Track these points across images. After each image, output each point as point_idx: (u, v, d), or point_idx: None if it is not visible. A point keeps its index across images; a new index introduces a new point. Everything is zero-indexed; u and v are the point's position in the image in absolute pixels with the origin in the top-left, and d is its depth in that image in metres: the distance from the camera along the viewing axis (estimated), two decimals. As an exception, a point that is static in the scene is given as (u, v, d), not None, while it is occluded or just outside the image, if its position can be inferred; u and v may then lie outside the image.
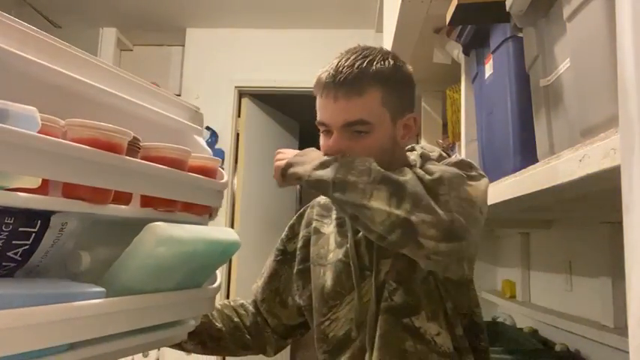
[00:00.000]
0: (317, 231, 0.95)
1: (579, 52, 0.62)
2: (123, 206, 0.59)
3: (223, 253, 0.72)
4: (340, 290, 0.86)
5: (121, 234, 0.60)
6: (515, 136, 0.89)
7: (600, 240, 1.15)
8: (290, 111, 3.54)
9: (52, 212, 0.53)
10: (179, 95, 3.37)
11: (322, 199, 0.98)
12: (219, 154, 3.16)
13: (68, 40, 0.63)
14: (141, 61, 3.63)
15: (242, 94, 3.24)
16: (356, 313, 0.84)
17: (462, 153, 1.28)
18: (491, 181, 0.96)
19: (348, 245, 0.87)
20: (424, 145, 0.97)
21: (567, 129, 0.70)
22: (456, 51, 1.36)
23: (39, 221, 0.52)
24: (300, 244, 0.98)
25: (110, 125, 0.53)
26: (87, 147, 0.51)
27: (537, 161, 0.76)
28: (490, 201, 0.89)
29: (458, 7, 0.97)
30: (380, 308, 0.82)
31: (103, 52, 3.32)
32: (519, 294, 1.72)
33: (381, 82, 0.78)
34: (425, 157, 0.86)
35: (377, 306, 0.82)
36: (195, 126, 0.80)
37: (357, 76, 0.77)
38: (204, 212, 0.73)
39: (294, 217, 1.03)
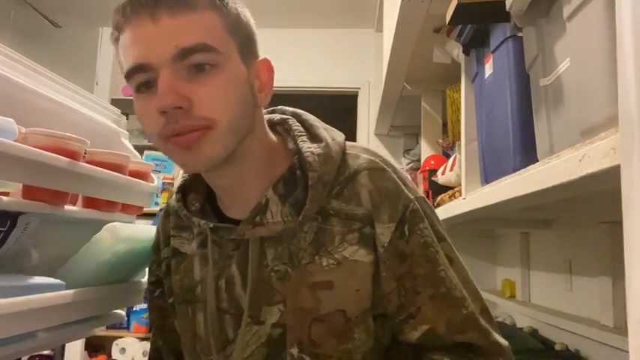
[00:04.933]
0: (176, 252, 0.70)
1: (579, 52, 0.62)
2: (76, 207, 0.66)
3: None
4: (212, 343, 0.64)
5: (62, 233, 0.67)
6: (515, 136, 0.89)
7: (600, 240, 1.15)
8: (290, 111, 3.54)
9: (20, 213, 0.57)
10: (179, 95, 3.37)
11: (175, 202, 0.69)
12: (219, 153, 3.17)
13: (68, 40, 0.65)
14: (141, 60, 3.62)
15: (242, 93, 3.24)
16: None
17: (461, 152, 1.28)
18: (491, 180, 0.96)
19: (207, 285, 0.64)
20: (305, 121, 0.67)
21: (567, 129, 0.70)
22: (456, 50, 1.36)
23: (9, 221, 0.56)
24: (163, 269, 0.72)
25: (70, 135, 0.59)
26: (64, 157, 0.57)
27: (537, 161, 0.76)
28: (490, 201, 0.89)
29: (458, 6, 0.97)
30: None
31: (103, 51, 3.32)
32: (519, 294, 1.72)
33: (216, 5, 0.56)
34: (305, 152, 0.60)
35: None
36: (123, 130, 0.88)
37: None
38: (137, 212, 0.80)
39: (155, 234, 0.75)
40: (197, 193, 0.69)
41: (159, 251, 0.72)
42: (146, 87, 0.55)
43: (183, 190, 0.69)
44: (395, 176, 0.63)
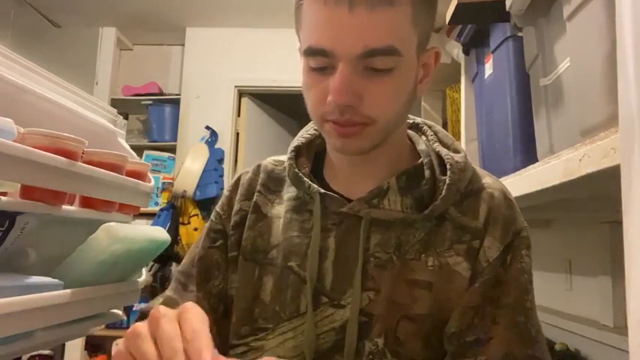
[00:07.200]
0: (257, 209, 0.68)
1: (579, 52, 0.62)
2: (74, 207, 0.66)
3: (157, 250, 0.77)
4: (279, 312, 0.61)
5: (58, 232, 0.68)
6: (515, 136, 0.89)
7: (600, 240, 1.15)
8: (289, 110, 3.54)
9: (18, 213, 0.57)
10: (179, 95, 3.37)
11: (271, 163, 0.71)
12: (219, 153, 3.16)
13: (68, 40, 0.65)
14: (140, 60, 3.63)
15: (242, 93, 3.24)
16: (309, 350, 0.59)
17: (461, 153, 1.28)
18: (491, 180, 0.96)
19: (310, 251, 0.61)
20: (439, 131, 0.69)
21: (567, 129, 0.70)
22: (456, 50, 1.36)
23: (7, 221, 0.56)
24: (234, 219, 0.69)
25: (68, 135, 0.59)
26: (62, 158, 0.57)
27: (537, 161, 0.76)
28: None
29: (458, 6, 0.97)
30: None
31: (103, 51, 3.32)
32: (519, 293, 1.72)
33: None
34: (459, 175, 0.61)
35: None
36: (120, 130, 0.89)
37: None
38: (134, 212, 0.80)
39: (230, 186, 0.73)
40: (307, 159, 0.68)
41: (232, 200, 0.71)
42: (321, 70, 0.54)
43: (298, 151, 0.69)
44: (514, 204, 0.64)
